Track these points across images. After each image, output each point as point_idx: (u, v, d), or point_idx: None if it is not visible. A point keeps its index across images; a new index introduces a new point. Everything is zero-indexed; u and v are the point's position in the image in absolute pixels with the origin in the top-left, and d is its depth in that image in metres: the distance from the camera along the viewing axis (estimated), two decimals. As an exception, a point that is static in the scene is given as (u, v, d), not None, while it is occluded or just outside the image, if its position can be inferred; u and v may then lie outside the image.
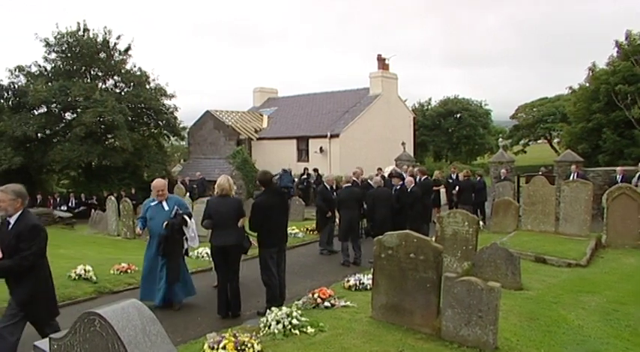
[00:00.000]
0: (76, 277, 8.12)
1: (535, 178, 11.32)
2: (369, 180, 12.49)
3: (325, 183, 10.66)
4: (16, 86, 24.71)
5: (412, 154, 23.35)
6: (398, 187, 10.75)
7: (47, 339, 2.85)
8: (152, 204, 6.95)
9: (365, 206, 10.32)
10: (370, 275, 6.87)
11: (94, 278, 8.16)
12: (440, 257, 4.88)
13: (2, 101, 24.66)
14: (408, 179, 11.22)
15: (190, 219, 6.75)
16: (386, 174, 13.70)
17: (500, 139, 30.78)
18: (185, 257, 7.17)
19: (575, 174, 13.79)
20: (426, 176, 13.19)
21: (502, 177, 15.84)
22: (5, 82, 24.53)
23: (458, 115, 38.11)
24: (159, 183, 6.98)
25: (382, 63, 25.86)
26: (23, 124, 23.13)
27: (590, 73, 23.25)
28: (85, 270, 8.25)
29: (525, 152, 43.16)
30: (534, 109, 41.53)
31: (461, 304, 4.52)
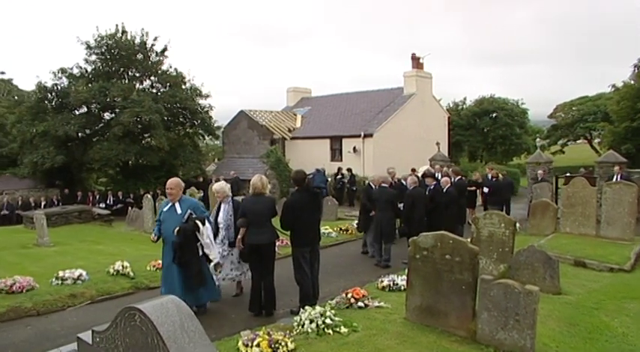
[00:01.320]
0: (115, 273, 8.34)
1: (575, 179, 11.01)
2: (402, 181, 12.39)
3: (370, 183, 10.58)
4: (59, 87, 25.50)
5: (447, 154, 23.04)
6: (432, 187, 10.62)
7: (90, 331, 2.93)
8: (166, 207, 6.43)
9: (400, 206, 10.22)
10: (404, 276, 6.82)
11: (132, 274, 8.35)
12: (476, 259, 4.79)
13: (46, 102, 25.51)
14: (444, 179, 11.07)
15: (204, 224, 6.12)
16: (420, 175, 13.57)
17: (538, 139, 29.96)
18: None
19: (619, 176, 13.35)
20: (460, 176, 12.99)
21: (539, 178, 15.46)
22: (49, 84, 25.39)
23: (494, 115, 37.38)
24: (169, 181, 6.41)
25: (416, 62, 25.58)
26: (65, 124, 23.90)
27: (636, 70, 22.44)
28: (122, 266, 8.46)
29: (564, 152, 42.02)
30: (574, 108, 40.39)
31: (497, 307, 4.43)
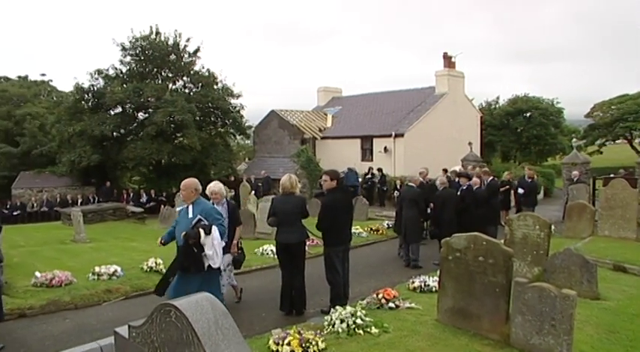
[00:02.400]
0: (148, 269, 8.50)
1: (614, 181, 10.68)
2: (434, 181, 12.26)
3: (409, 183, 10.53)
4: (96, 88, 26.17)
5: (479, 155, 22.69)
6: (465, 187, 10.48)
7: (126, 326, 2.99)
8: (179, 208, 6.02)
9: (429, 207, 10.11)
10: (436, 278, 6.74)
11: (164, 270, 8.48)
12: (510, 261, 4.71)
13: (83, 102, 26.22)
14: (474, 180, 10.92)
15: (208, 233, 5.33)
16: (450, 175, 13.39)
17: (574, 139, 29.17)
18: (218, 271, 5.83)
19: (661, 177, 12.90)
20: (492, 177, 12.77)
21: (575, 180, 15.06)
22: (86, 85, 26.10)
23: (528, 114, 36.58)
24: (183, 182, 5.85)
25: (448, 61, 25.26)
26: (101, 124, 24.53)
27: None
28: (155, 263, 8.62)
29: (601, 153, 40.81)
30: (613, 107, 39.12)
31: (532, 311, 4.33)
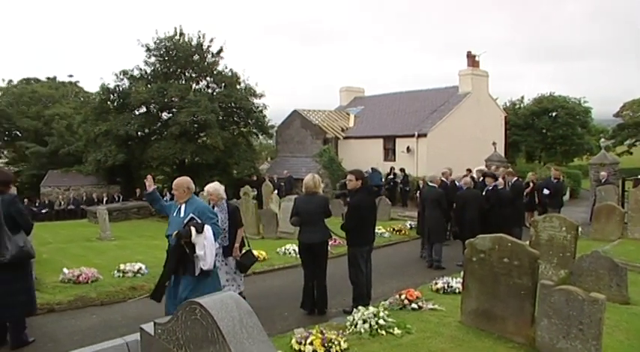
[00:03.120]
0: (172, 267, 8.58)
1: (644, 182, 10.43)
2: (457, 181, 12.15)
3: (430, 183, 10.46)
4: (121, 89, 26.64)
5: (503, 155, 22.39)
6: (490, 188, 10.36)
7: (152, 323, 3.04)
8: (175, 208, 5.57)
9: (453, 207, 10.02)
10: (459, 279, 6.68)
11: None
12: (536, 263, 4.63)
13: (109, 103, 26.72)
14: (498, 180, 10.77)
15: (200, 231, 5.04)
16: (475, 175, 13.24)
17: (602, 139, 28.47)
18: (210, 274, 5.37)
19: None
20: (517, 178, 12.58)
21: (602, 181, 14.73)
22: (112, 85, 26.56)
23: (553, 114, 35.95)
24: (175, 181, 5.59)
25: (472, 60, 24.97)
26: (126, 124, 24.97)
27: None
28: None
29: (631, 153, 39.91)
30: (643, 106, 38.25)
31: (559, 314, 4.25)
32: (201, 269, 5.10)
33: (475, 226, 8.83)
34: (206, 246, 5.05)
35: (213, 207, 6.39)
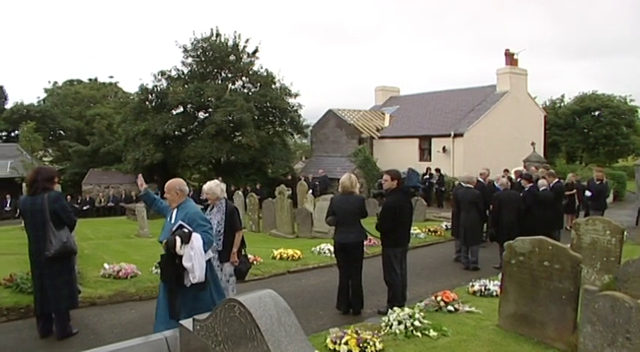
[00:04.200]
0: (208, 265, 8.70)
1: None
2: (494, 182, 11.93)
3: (466, 184, 10.31)
4: (159, 89, 27.24)
5: (542, 155, 21.86)
6: (526, 189, 10.12)
7: (191, 319, 3.09)
8: (169, 210, 5.18)
9: (489, 208, 9.84)
10: (496, 282, 6.56)
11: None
12: (578, 267, 4.50)
13: (147, 103, 27.36)
14: (541, 181, 10.52)
15: (187, 241, 4.60)
16: (512, 176, 12.96)
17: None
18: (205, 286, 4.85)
19: None
20: (557, 179, 12.25)
21: (650, 182, 14.19)
22: (150, 86, 27.18)
23: (596, 113, 34.83)
24: (167, 184, 5.15)
25: (510, 58, 24.44)
26: (163, 123, 25.51)
27: None
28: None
29: (681, 154, 38.30)
30: (695, 104, 36.55)
31: (603, 321, 4.10)
32: (200, 281, 4.66)
33: (513, 228, 8.66)
34: (194, 258, 4.58)
35: (212, 208, 6.04)
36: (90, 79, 44.90)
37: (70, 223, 5.55)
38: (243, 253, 6.24)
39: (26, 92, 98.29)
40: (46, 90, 43.10)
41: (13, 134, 38.00)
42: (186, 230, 4.66)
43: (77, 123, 37.53)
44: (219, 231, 5.92)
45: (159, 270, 5.08)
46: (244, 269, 6.18)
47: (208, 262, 4.96)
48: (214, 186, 6.06)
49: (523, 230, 8.01)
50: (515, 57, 24.51)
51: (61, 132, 39.28)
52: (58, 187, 5.83)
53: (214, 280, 5.17)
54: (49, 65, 77.73)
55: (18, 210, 20.19)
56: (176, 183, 5.05)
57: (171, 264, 4.61)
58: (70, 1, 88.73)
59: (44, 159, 35.56)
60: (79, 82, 44.22)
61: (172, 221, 4.89)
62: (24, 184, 11.35)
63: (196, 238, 4.64)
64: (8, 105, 40.23)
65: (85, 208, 24.96)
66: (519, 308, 4.94)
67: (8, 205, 25.64)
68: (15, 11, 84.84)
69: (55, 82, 44.01)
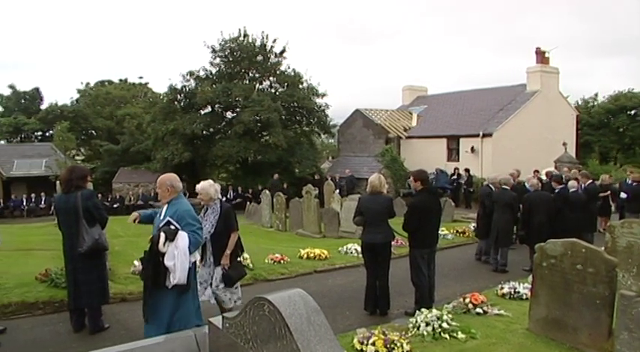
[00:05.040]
0: (236, 263, 8.76)
1: None
2: (525, 183, 11.73)
3: (490, 185, 10.16)
4: (187, 89, 27.61)
5: (574, 156, 21.37)
6: (558, 191, 9.91)
7: (220, 317, 3.12)
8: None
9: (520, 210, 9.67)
10: (526, 284, 6.46)
11: (251, 265, 8.73)
12: (614, 271, 4.39)
13: (176, 103, 27.76)
14: (571, 182, 10.29)
15: (171, 239, 4.42)
16: (542, 177, 12.70)
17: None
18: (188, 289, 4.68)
19: None
20: (591, 181, 11.95)
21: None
22: (179, 86, 27.56)
23: (632, 112, 33.82)
24: (158, 179, 4.98)
25: (541, 56, 23.94)
26: (192, 123, 25.86)
27: None
28: (243, 257, 8.85)
29: None
30: None
31: (640, 327, 4.00)
32: (182, 283, 4.45)
33: (543, 230, 8.48)
34: (176, 257, 4.35)
35: (207, 210, 5.72)
36: (120, 80, 45.75)
37: (102, 221, 5.68)
38: (239, 259, 5.88)
39: (60, 93, 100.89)
40: (78, 91, 44.16)
41: (47, 134, 39.10)
42: (172, 227, 4.50)
43: (108, 123, 38.32)
44: (209, 232, 5.59)
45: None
46: (234, 276, 5.67)
47: (194, 265, 4.74)
48: (208, 187, 5.67)
49: (553, 232, 7.85)
50: (546, 55, 24.03)
51: (93, 131, 40.19)
52: (90, 186, 5.97)
53: (193, 286, 4.89)
54: (81, 66, 79.65)
55: (52, 208, 20.76)
56: (167, 179, 4.87)
57: (153, 262, 4.42)
58: (102, 4, 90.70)
59: (77, 158, 36.43)
60: (110, 82, 45.11)
61: (162, 217, 4.73)
62: (58, 182, 11.64)
63: (182, 237, 4.46)
64: (43, 106, 41.44)
65: (115, 206, 25.44)
66: (551, 312, 4.84)
67: (43, 202, 26.37)
68: (50, 14, 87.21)
69: (87, 83, 45.03)
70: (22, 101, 42.26)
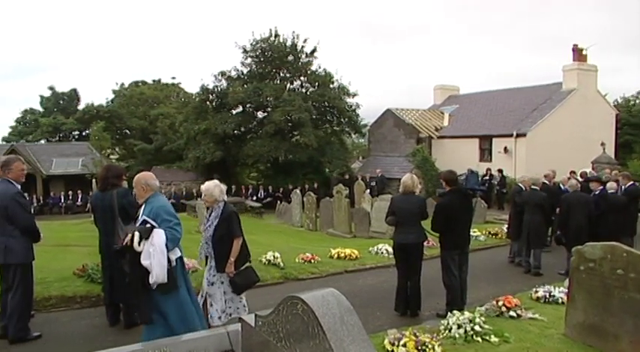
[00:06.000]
0: (266, 262, 8.82)
1: None
2: (561, 184, 11.47)
3: (520, 185, 9.97)
4: (219, 89, 27.96)
5: (613, 156, 20.75)
6: (597, 192, 9.63)
7: (253, 315, 3.14)
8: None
9: (555, 212, 9.45)
10: (562, 288, 6.31)
11: (282, 264, 8.77)
12: (657, 276, 4.22)
13: (207, 102, 28.14)
14: (610, 184, 9.98)
15: (145, 238, 4.28)
16: (579, 178, 12.37)
17: None
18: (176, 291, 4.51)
19: None
20: (632, 182, 11.57)
21: None
22: (210, 86, 27.94)
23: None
24: (135, 178, 4.79)
25: (579, 54, 23.28)
26: (223, 123, 26.18)
27: None
28: (274, 256, 8.93)
29: None
30: None
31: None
32: (162, 282, 4.28)
33: (582, 232, 8.25)
34: (153, 255, 4.20)
35: (211, 213, 5.54)
36: (154, 80, 46.67)
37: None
38: (247, 265, 5.50)
39: (96, 93, 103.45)
40: (113, 92, 45.30)
41: (84, 133, 40.22)
42: (148, 225, 4.37)
43: (142, 123, 39.16)
44: (208, 238, 5.42)
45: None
46: (241, 283, 5.34)
47: (179, 261, 4.60)
48: (212, 187, 5.40)
49: (592, 235, 7.64)
50: (584, 52, 23.36)
51: (127, 131, 41.17)
52: (125, 184, 6.10)
53: (187, 283, 4.76)
54: (117, 67, 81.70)
55: (89, 205, 21.34)
56: (142, 178, 4.72)
57: (136, 263, 4.27)
58: (137, 7, 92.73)
59: (111, 157, 37.38)
60: (144, 83, 46.07)
61: (139, 217, 4.59)
62: (94, 180, 11.95)
63: (158, 234, 4.30)
64: (80, 106, 42.67)
65: (148, 204, 25.98)
66: (588, 317, 4.70)
67: (79, 200, 27.11)
68: (87, 17, 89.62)
69: (122, 84, 46.14)
70: (61, 102, 43.70)
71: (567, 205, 8.89)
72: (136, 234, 4.25)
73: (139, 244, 4.22)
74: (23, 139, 38.59)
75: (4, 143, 36.87)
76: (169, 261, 4.33)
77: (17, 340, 5.29)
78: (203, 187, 5.49)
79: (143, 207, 4.62)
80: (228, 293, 5.39)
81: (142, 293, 4.35)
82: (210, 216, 5.54)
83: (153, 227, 4.36)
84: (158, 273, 4.20)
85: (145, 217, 4.47)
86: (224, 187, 5.57)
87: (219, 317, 5.28)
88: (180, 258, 4.63)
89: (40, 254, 5.97)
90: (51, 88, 43.54)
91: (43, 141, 39.27)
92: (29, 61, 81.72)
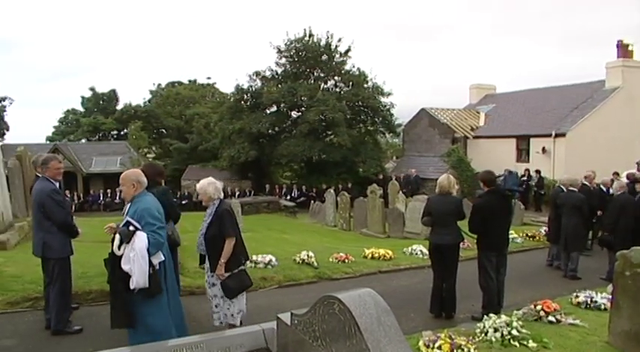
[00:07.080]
0: (300, 261, 8.85)
1: None
2: (601, 186, 11.11)
3: (562, 186, 9.70)
4: (254, 89, 28.24)
5: (659, 157, 19.95)
6: (643, 194, 9.27)
7: (289, 313, 3.15)
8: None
9: (595, 214, 9.14)
10: (605, 294, 6.11)
11: (315, 263, 8.78)
12: None
13: (242, 102, 28.45)
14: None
15: (126, 242, 4.11)
16: (623, 180, 11.94)
17: None
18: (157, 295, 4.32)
19: None
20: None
21: None
22: (245, 86, 28.24)
23: None
24: (122, 175, 4.62)
25: (624, 50, 22.43)
26: (257, 122, 26.45)
27: None
28: (307, 256, 8.95)
29: None
30: None
31: None
32: (146, 289, 4.11)
33: (628, 236, 7.93)
34: (133, 260, 4.02)
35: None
36: (189, 81, 47.50)
37: (175, 216, 5.88)
38: (241, 267, 5.21)
39: (134, 93, 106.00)
40: (150, 92, 46.36)
41: (122, 133, 41.26)
42: (132, 228, 4.18)
43: (178, 122, 39.91)
44: (203, 234, 5.21)
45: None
46: (233, 286, 5.03)
47: (162, 265, 4.40)
48: (206, 185, 5.18)
49: (636, 239, 7.34)
50: (629, 48, 22.51)
51: (163, 130, 42.00)
52: (163, 183, 6.20)
53: (172, 288, 4.64)
54: (154, 68, 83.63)
55: (126, 203, 21.83)
56: (132, 174, 4.53)
57: (111, 265, 4.18)
58: (175, 9, 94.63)
59: (148, 155, 38.19)
60: (180, 83, 46.94)
61: (124, 217, 4.38)
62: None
63: (139, 238, 4.11)
64: (119, 106, 43.82)
65: (184, 202, 26.40)
66: (634, 325, 4.52)
67: (118, 198, 27.77)
68: (126, 20, 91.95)
69: (159, 84, 47.19)
70: (101, 102, 44.99)
71: (619, 206, 8.54)
72: (117, 237, 4.10)
73: (119, 248, 4.10)
74: (65, 139, 39.85)
75: (47, 142, 38.12)
76: (152, 265, 4.17)
77: (57, 332, 5.47)
78: (197, 186, 5.32)
79: (128, 206, 4.44)
80: (218, 296, 5.17)
81: (120, 297, 4.22)
82: (206, 215, 5.34)
83: (134, 230, 4.17)
84: (139, 280, 4.05)
85: (128, 218, 4.27)
86: (220, 185, 5.35)
87: (221, 322, 5.18)
88: (163, 262, 4.43)
89: (81, 249, 6.13)
90: (91, 89, 44.93)
91: (83, 141, 40.49)
92: (71, 62, 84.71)
